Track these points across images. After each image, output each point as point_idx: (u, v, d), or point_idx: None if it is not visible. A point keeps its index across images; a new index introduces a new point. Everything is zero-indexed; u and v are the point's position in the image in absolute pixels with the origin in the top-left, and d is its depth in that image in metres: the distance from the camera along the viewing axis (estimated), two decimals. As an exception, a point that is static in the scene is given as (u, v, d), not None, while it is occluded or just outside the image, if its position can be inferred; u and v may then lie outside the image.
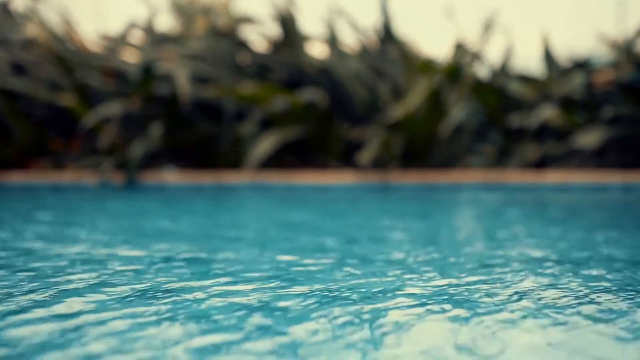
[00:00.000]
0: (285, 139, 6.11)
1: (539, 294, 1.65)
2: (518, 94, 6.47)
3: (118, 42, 6.88)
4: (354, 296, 1.61)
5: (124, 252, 2.39)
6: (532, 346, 1.26)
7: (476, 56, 6.52)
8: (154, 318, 1.40)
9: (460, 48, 6.45)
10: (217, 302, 1.55)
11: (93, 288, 1.70)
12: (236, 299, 1.57)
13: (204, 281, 1.78)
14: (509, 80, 6.60)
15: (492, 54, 6.72)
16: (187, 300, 1.56)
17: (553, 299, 1.60)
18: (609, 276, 1.91)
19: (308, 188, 5.78)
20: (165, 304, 1.52)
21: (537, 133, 6.32)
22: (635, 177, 5.70)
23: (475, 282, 1.79)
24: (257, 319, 1.40)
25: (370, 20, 6.79)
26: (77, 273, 1.94)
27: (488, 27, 6.51)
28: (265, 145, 5.97)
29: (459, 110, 6.14)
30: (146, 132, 6.21)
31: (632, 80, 6.23)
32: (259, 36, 6.87)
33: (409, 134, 6.14)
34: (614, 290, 1.72)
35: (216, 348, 1.22)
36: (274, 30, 6.81)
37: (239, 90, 6.25)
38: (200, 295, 1.61)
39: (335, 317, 1.42)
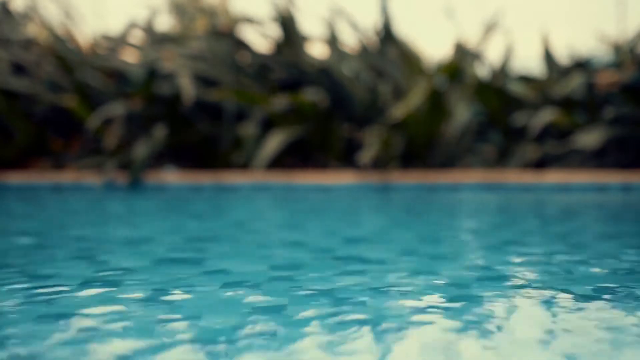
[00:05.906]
0: (291, 138, 6.11)
1: (542, 292, 1.65)
2: (518, 94, 6.48)
3: (118, 42, 6.89)
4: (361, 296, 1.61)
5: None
6: (524, 344, 1.26)
7: (476, 56, 6.53)
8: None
9: (460, 48, 6.46)
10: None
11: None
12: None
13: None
14: (510, 80, 6.60)
15: (493, 54, 6.74)
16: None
17: (555, 298, 1.60)
18: (609, 275, 1.91)
19: (308, 188, 5.78)
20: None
21: (538, 133, 6.32)
22: (635, 177, 5.70)
23: (475, 281, 1.80)
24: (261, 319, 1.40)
25: (370, 20, 6.80)
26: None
27: (488, 28, 6.51)
28: (272, 144, 5.96)
29: (463, 111, 6.14)
30: (149, 132, 6.21)
31: (633, 81, 6.23)
32: (259, 36, 6.87)
33: (409, 134, 6.14)
34: (615, 289, 1.72)
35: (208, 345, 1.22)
36: (274, 30, 6.81)
37: (241, 93, 6.25)
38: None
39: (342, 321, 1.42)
